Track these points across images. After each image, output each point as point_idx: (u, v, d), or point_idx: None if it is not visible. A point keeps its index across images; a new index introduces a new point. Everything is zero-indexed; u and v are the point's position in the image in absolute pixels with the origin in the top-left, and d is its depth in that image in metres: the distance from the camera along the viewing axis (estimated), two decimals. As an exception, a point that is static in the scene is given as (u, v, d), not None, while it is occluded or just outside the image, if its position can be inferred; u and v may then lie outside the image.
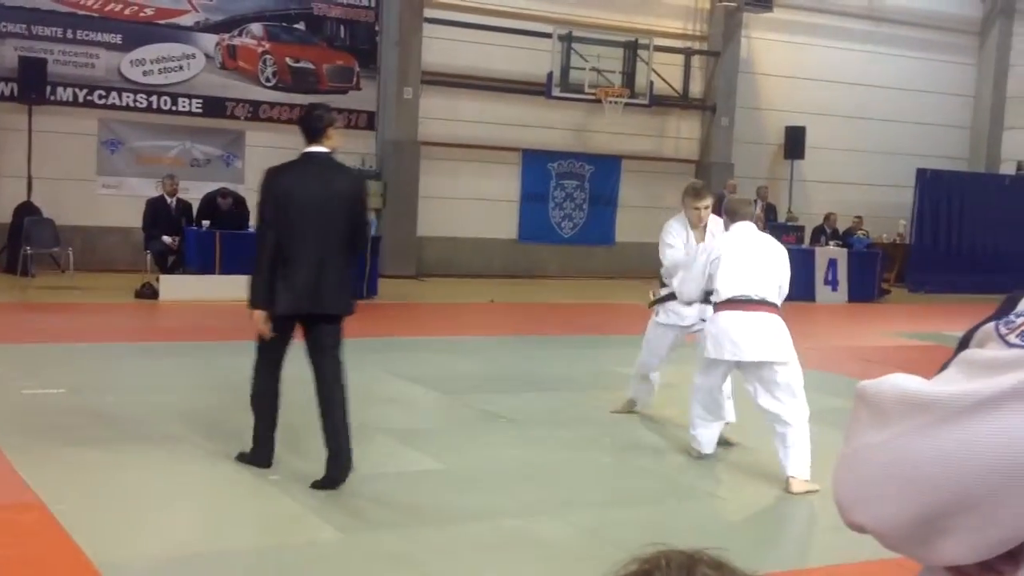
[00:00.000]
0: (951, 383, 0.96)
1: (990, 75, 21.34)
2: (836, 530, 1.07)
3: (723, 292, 5.84)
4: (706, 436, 6.20)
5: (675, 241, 6.85)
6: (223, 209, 13.60)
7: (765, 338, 5.73)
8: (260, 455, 5.66)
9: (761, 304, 5.76)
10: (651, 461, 6.36)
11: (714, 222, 6.74)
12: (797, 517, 5.64)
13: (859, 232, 17.94)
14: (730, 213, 6.15)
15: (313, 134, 5.48)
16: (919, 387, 0.98)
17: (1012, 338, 0.94)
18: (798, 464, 5.66)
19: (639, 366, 7.31)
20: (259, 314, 5.38)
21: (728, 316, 5.81)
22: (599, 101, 17.20)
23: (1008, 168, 20.86)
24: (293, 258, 5.33)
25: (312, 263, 5.33)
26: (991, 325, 0.98)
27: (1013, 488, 0.90)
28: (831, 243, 16.99)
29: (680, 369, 7.33)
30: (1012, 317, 0.96)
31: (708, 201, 6.62)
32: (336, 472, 5.36)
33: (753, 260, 5.86)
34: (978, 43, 21.55)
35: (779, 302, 5.87)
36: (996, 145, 21.47)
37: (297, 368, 7.76)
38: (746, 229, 6.01)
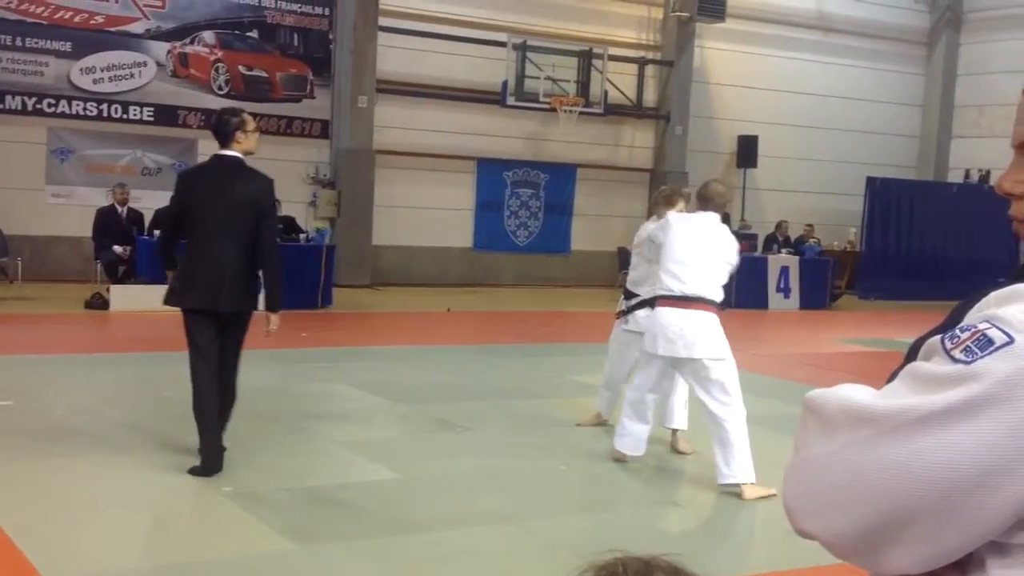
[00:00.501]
0: (896, 396, 0.97)
1: (938, 84, 21.70)
2: (791, 535, 1.08)
3: (663, 286, 5.89)
4: (628, 440, 6.19)
5: None
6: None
7: (698, 336, 5.73)
8: (208, 464, 5.63)
9: (697, 302, 5.77)
10: (608, 469, 6.37)
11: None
12: (753, 523, 5.68)
13: (810, 240, 18.15)
14: (703, 200, 6.06)
15: (222, 138, 5.73)
16: (865, 399, 0.99)
17: (956, 353, 0.95)
18: (740, 469, 5.67)
19: (608, 379, 7.21)
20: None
21: (665, 312, 5.84)
22: (554, 110, 17.27)
23: (956, 176, 21.22)
24: (197, 256, 5.66)
25: (212, 262, 5.59)
26: (937, 339, 0.99)
27: (955, 502, 0.91)
28: (783, 251, 17.17)
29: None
30: (957, 331, 0.97)
31: (681, 206, 6.58)
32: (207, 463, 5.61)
33: (698, 257, 5.85)
34: (926, 53, 21.92)
35: (718, 293, 5.86)
36: (944, 154, 21.83)
37: (251, 378, 7.69)
38: (701, 221, 5.97)
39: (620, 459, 6.25)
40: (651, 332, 5.93)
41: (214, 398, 5.71)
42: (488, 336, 12.21)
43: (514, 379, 9.24)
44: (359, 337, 11.44)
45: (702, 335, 5.73)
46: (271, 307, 5.81)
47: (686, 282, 5.79)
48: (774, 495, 5.52)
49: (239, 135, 5.73)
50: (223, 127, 5.74)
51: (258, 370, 8.43)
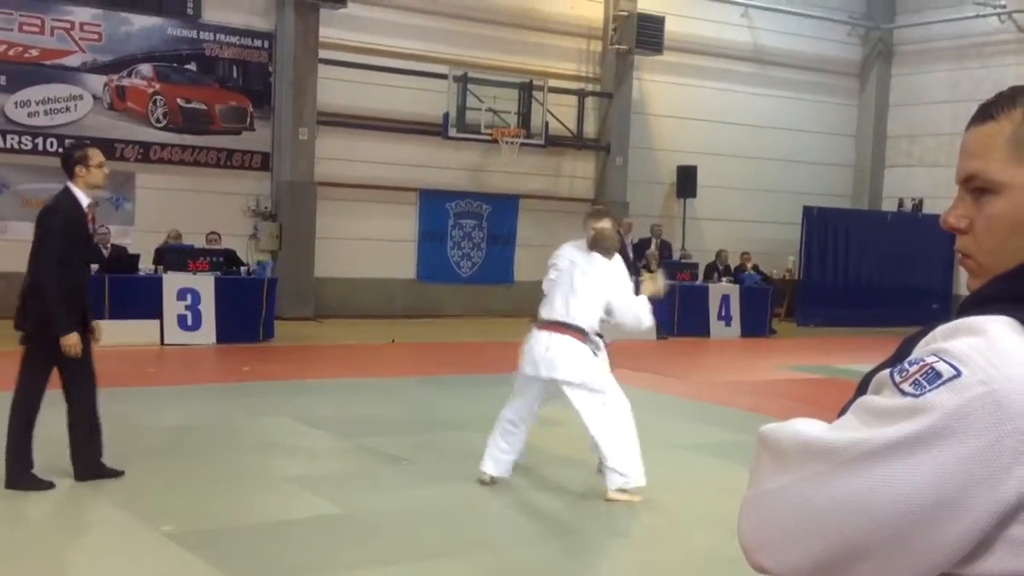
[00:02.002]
0: (847, 430, 0.98)
1: (870, 115, 22.17)
2: (736, 562, 1.09)
3: (542, 312, 6.21)
4: (489, 459, 6.37)
5: None
6: (106, 255, 13.36)
7: (562, 359, 5.99)
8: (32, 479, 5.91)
9: (566, 327, 6.03)
10: (553, 500, 6.37)
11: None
12: (696, 551, 5.71)
13: (749, 268, 18.39)
14: (592, 242, 6.33)
15: (65, 172, 6.02)
16: (817, 433, 1.00)
17: (905, 386, 0.96)
18: (631, 471, 5.97)
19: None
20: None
21: (536, 335, 6.16)
22: (495, 141, 17.35)
23: (890, 205, 21.65)
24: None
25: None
26: (886, 372, 1.00)
27: (906, 535, 0.92)
28: (724, 279, 17.36)
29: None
30: (906, 365, 0.98)
31: (604, 223, 6.62)
32: None
33: (576, 288, 6.13)
34: (858, 84, 22.40)
35: (623, 318, 6.12)
36: (878, 183, 22.27)
37: (192, 413, 7.61)
38: (579, 252, 6.29)
39: (484, 481, 6.37)
40: (524, 353, 6.21)
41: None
42: (433, 368, 12.17)
43: (459, 411, 9.22)
44: (302, 370, 11.33)
45: (565, 358, 5.99)
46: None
47: (556, 308, 6.10)
48: (639, 500, 5.99)
49: (79, 168, 5.95)
50: (63, 162, 6.05)
51: (199, 405, 8.34)
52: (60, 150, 14.97)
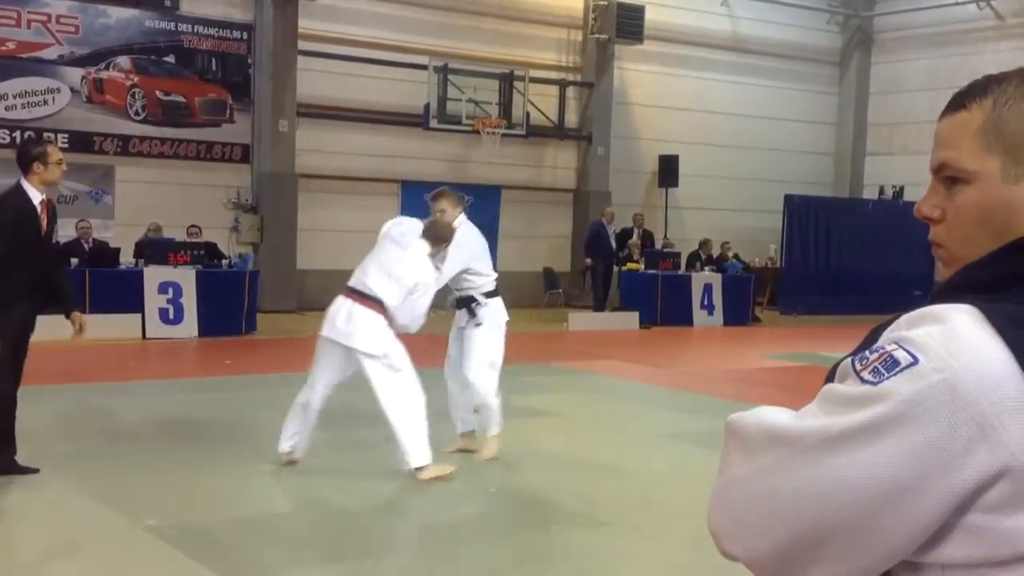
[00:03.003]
0: (810, 418, 0.99)
1: (851, 103, 22.25)
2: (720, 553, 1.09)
3: (352, 278, 6.36)
4: (284, 432, 6.42)
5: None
6: (87, 247, 13.30)
7: (356, 327, 6.09)
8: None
9: (366, 299, 6.14)
10: (537, 490, 6.36)
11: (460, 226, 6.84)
12: (679, 540, 5.71)
13: (731, 256, 18.43)
14: (424, 230, 6.48)
15: (20, 167, 5.91)
16: (780, 422, 1.01)
17: (865, 374, 0.97)
18: (414, 454, 6.03)
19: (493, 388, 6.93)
20: None
21: (340, 301, 6.31)
22: (477, 132, 17.32)
23: (871, 193, 21.74)
24: None
25: None
26: (848, 361, 1.01)
27: (865, 521, 0.93)
28: (706, 268, 17.40)
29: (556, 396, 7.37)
30: (867, 353, 0.99)
31: (442, 204, 6.81)
32: None
33: (385, 263, 6.26)
34: (838, 73, 22.46)
35: (402, 313, 6.15)
36: (859, 171, 22.36)
37: (173, 406, 7.59)
38: (412, 238, 6.36)
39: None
40: (326, 317, 6.32)
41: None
42: (416, 359, 12.15)
43: (445, 402, 9.19)
44: (284, 363, 11.28)
45: (364, 329, 6.08)
46: None
47: (367, 280, 6.20)
48: (450, 473, 6.14)
49: (36, 165, 5.87)
50: (20, 158, 5.94)
51: (182, 399, 8.31)
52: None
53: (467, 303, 6.90)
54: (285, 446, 6.42)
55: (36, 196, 5.92)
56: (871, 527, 0.94)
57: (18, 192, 5.92)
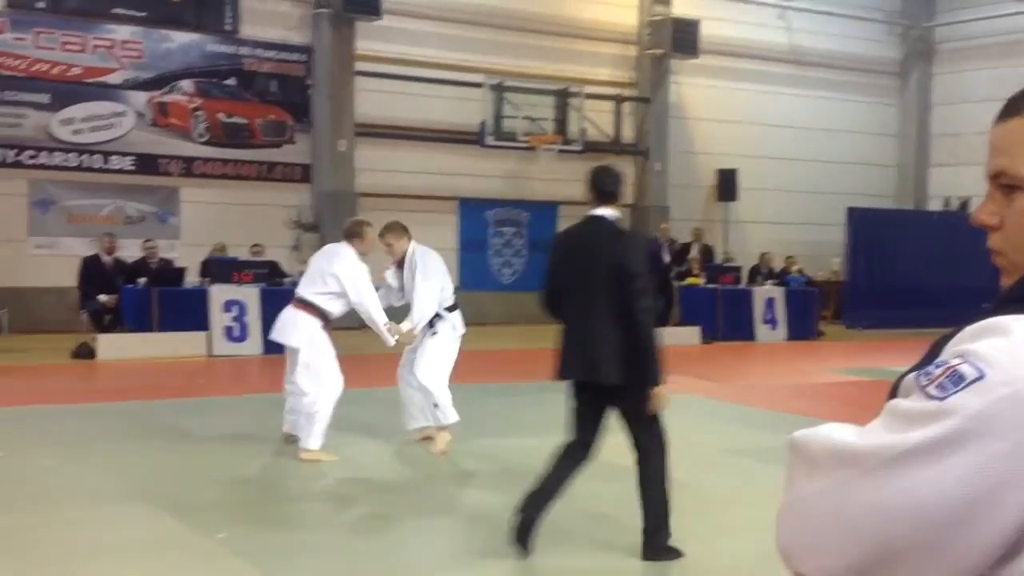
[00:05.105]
0: (875, 435, 0.98)
1: (913, 115, 21.96)
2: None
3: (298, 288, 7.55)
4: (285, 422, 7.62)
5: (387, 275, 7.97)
6: (153, 267, 13.54)
7: (287, 327, 7.32)
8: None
9: (300, 303, 7.30)
10: (598, 506, 6.33)
11: (414, 254, 7.77)
12: (747, 556, 5.65)
13: (794, 270, 18.24)
14: (345, 233, 7.61)
15: (603, 197, 5.25)
16: (846, 439, 1.00)
17: (930, 389, 0.95)
18: (307, 437, 7.09)
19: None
20: None
21: (287, 307, 7.51)
22: (533, 148, 17.36)
23: (936, 204, 21.42)
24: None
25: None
26: (912, 376, 1.00)
27: (937, 539, 0.92)
28: (768, 282, 17.24)
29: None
30: (931, 368, 0.98)
31: (388, 239, 7.74)
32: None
33: (311, 270, 7.54)
34: (900, 84, 22.19)
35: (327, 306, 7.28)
36: (923, 182, 22.04)
37: (241, 422, 7.64)
38: (333, 249, 7.59)
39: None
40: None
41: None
42: (477, 376, 12.17)
43: (505, 418, 9.21)
44: (348, 379, 11.38)
45: (290, 327, 7.29)
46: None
47: (302, 288, 7.41)
48: (335, 460, 7.08)
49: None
50: (607, 184, 5.30)
51: (249, 415, 8.40)
52: (105, 166, 15.25)
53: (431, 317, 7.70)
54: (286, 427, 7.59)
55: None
56: (943, 545, 0.92)
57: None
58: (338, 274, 7.23)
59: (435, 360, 7.62)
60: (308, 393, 7.14)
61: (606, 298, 4.99)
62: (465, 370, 13.03)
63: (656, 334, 4.99)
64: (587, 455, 5.12)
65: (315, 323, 7.25)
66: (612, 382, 4.95)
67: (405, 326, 7.43)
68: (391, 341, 7.43)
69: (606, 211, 5.19)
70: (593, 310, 5.01)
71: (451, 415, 7.54)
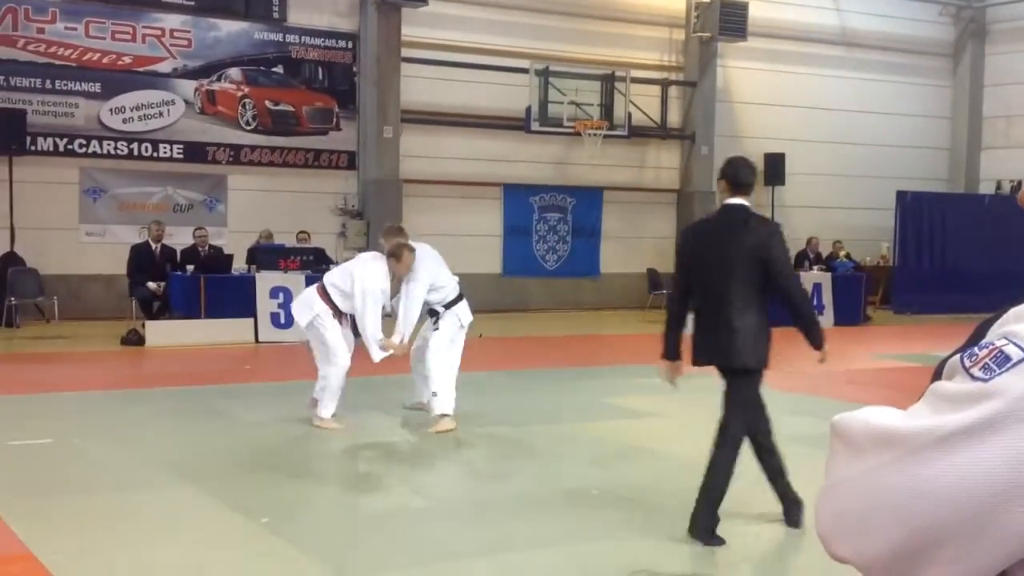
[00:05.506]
0: (918, 417, 0.97)
1: (965, 96, 21.57)
2: (815, 564, 1.07)
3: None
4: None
5: None
6: (202, 254, 13.70)
7: (301, 305, 7.96)
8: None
9: (320, 287, 7.92)
10: (643, 494, 6.33)
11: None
12: (800, 543, 5.61)
13: (841, 255, 18.04)
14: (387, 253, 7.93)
15: (739, 187, 5.44)
16: (888, 421, 0.99)
17: (975, 371, 0.94)
18: (322, 407, 7.74)
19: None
20: None
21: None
22: (578, 134, 17.30)
23: (987, 188, 21.05)
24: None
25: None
26: (957, 357, 0.98)
27: (982, 521, 0.91)
28: (815, 267, 17.06)
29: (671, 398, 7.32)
30: (975, 349, 0.97)
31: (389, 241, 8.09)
32: None
33: (346, 264, 8.38)
34: (951, 65, 21.81)
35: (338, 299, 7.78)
36: (974, 165, 21.67)
37: (281, 408, 7.74)
38: (365, 257, 8.27)
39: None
40: None
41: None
42: (521, 361, 12.20)
43: (549, 403, 9.22)
44: (392, 366, 11.46)
45: (304, 307, 7.89)
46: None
47: (328, 275, 8.13)
48: (339, 428, 7.67)
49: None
50: (743, 175, 5.43)
51: (296, 400, 8.49)
52: (155, 155, 15.44)
53: (432, 314, 8.12)
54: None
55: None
56: (987, 527, 0.91)
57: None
58: (357, 279, 7.67)
59: (440, 353, 7.91)
60: (320, 368, 7.82)
61: (745, 284, 5.18)
62: (510, 356, 13.09)
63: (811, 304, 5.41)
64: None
65: (323, 307, 7.76)
66: (749, 366, 5.23)
67: (395, 339, 7.75)
68: (376, 357, 7.68)
69: (741, 200, 5.37)
70: (731, 296, 5.18)
71: (444, 406, 7.76)
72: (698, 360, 5.32)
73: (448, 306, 8.05)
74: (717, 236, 5.36)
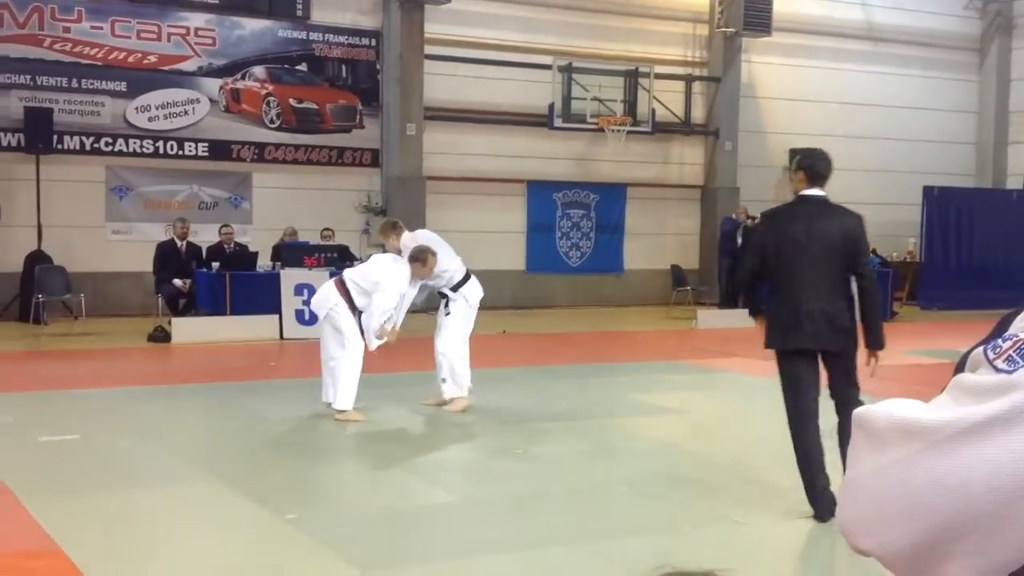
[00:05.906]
0: (941, 409, 0.97)
1: (992, 91, 21.37)
2: (853, 557, 1.07)
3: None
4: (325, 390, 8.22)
5: None
6: (227, 251, 13.78)
7: (320, 299, 8.10)
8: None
9: (339, 281, 8.09)
10: (671, 488, 6.33)
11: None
12: (817, 543, 5.60)
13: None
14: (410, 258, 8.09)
15: (816, 178, 5.59)
16: (911, 414, 0.99)
17: (999, 363, 0.94)
18: (338, 398, 7.80)
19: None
20: None
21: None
22: (601, 130, 17.27)
23: (1015, 183, 20.85)
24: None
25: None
26: (980, 350, 0.98)
27: (1005, 513, 0.90)
28: (840, 263, 16.95)
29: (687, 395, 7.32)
30: (999, 341, 0.96)
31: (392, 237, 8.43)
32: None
33: (369, 261, 8.59)
34: (978, 59, 21.61)
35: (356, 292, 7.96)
36: (1002, 160, 21.47)
37: (305, 404, 7.76)
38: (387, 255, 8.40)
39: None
40: None
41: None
42: (545, 357, 12.20)
43: (573, 400, 9.23)
44: (414, 362, 11.49)
45: (322, 299, 8.07)
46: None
47: (348, 271, 8.26)
48: (361, 420, 7.76)
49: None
50: (820, 167, 5.59)
51: (320, 396, 8.53)
52: (180, 153, 15.55)
53: (441, 296, 8.46)
54: (328, 395, 8.11)
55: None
56: (1011, 519, 0.90)
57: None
58: (377, 279, 7.87)
59: (453, 343, 8.29)
60: (335, 357, 7.88)
61: (826, 271, 5.39)
62: (534, 352, 13.09)
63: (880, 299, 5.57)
64: (817, 409, 5.68)
65: (340, 301, 7.95)
66: (837, 348, 5.53)
67: (387, 326, 8.03)
68: (372, 346, 7.93)
69: (818, 191, 5.52)
70: (811, 283, 5.37)
71: (452, 390, 8.23)
72: (801, 345, 5.50)
73: (456, 288, 8.29)
74: (806, 224, 5.47)
